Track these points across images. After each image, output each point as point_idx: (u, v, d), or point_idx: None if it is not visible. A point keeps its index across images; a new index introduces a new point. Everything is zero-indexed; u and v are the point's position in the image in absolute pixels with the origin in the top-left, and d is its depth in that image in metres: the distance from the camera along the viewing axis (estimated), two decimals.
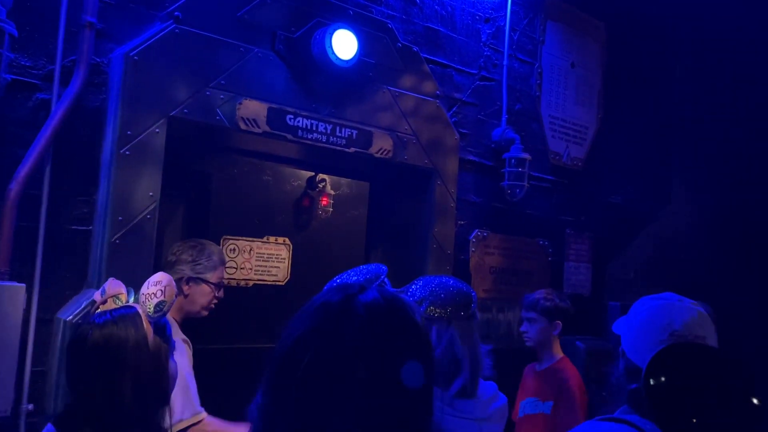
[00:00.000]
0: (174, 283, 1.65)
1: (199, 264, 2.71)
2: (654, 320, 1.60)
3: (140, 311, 1.58)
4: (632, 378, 1.56)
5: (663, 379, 1.34)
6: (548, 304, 3.21)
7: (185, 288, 2.66)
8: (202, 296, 2.70)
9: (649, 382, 1.34)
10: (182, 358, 2.32)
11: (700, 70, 5.34)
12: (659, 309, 1.63)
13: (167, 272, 1.84)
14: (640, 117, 5.03)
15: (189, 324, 2.87)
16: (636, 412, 1.52)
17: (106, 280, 1.99)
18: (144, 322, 1.55)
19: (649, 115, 5.11)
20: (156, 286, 1.63)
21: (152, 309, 1.58)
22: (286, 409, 0.84)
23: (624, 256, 4.88)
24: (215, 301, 2.77)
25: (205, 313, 2.79)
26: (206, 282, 2.71)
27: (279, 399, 0.86)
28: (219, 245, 3.30)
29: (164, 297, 1.61)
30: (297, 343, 0.87)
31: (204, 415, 2.48)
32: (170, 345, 1.62)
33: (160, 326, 1.60)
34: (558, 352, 3.25)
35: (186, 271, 2.67)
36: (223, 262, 2.80)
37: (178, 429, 2.36)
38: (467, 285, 2.06)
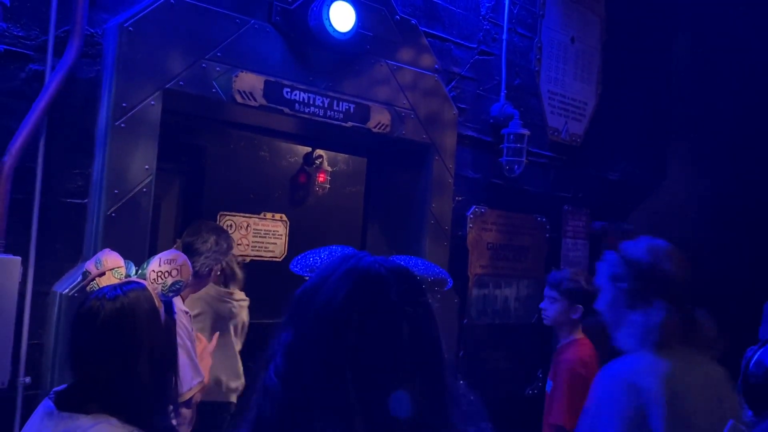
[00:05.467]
0: (189, 262, 1.61)
1: (219, 251, 2.75)
2: None
3: (148, 287, 1.54)
4: None
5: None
6: (571, 285, 3.01)
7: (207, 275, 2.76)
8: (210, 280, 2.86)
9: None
10: (182, 330, 2.33)
11: (698, 45, 5.30)
12: None
13: (191, 257, 1.86)
14: (638, 92, 4.99)
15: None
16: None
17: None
18: (155, 299, 1.52)
19: (647, 90, 5.08)
20: (170, 264, 1.56)
21: (167, 288, 1.54)
22: (340, 371, 0.90)
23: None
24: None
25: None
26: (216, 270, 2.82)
27: (331, 362, 0.90)
28: (216, 221, 3.29)
29: (180, 276, 1.56)
30: (340, 308, 0.92)
31: (203, 379, 2.56)
32: (174, 322, 1.60)
33: (167, 304, 1.57)
34: (574, 334, 3.05)
35: (212, 260, 2.72)
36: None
37: (189, 396, 2.40)
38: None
